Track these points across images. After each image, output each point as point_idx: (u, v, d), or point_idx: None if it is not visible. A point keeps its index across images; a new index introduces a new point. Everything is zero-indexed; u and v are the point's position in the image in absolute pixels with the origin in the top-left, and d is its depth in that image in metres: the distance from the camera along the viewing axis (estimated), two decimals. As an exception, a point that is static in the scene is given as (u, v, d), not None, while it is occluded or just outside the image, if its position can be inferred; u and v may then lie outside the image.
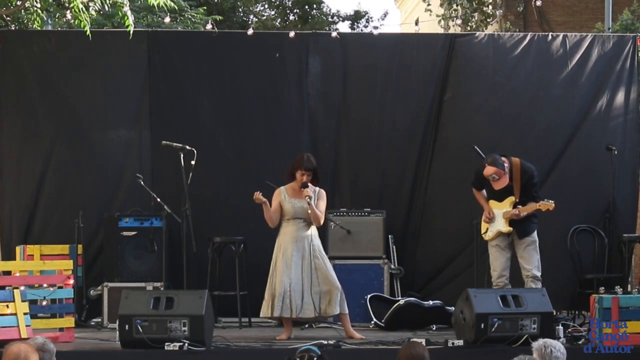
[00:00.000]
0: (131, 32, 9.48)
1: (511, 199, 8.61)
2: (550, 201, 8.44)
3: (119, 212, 9.47)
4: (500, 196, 8.69)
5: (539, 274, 8.54)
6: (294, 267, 8.26)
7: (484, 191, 8.89)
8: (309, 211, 8.27)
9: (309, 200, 8.24)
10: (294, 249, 8.29)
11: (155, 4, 9.85)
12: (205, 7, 17.46)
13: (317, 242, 8.42)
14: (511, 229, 8.57)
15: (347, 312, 8.35)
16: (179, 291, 8.08)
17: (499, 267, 8.61)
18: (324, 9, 24.48)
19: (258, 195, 8.27)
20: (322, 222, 8.43)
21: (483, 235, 8.79)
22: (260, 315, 8.44)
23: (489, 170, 8.54)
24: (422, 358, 5.24)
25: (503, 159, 8.58)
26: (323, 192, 8.45)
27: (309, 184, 8.31)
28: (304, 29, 20.37)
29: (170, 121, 9.91)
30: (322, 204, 8.38)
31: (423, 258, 9.97)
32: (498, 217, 8.65)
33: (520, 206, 8.55)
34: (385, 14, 29.19)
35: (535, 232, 8.63)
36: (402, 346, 5.67)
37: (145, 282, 9.20)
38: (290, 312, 8.21)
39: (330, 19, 24.40)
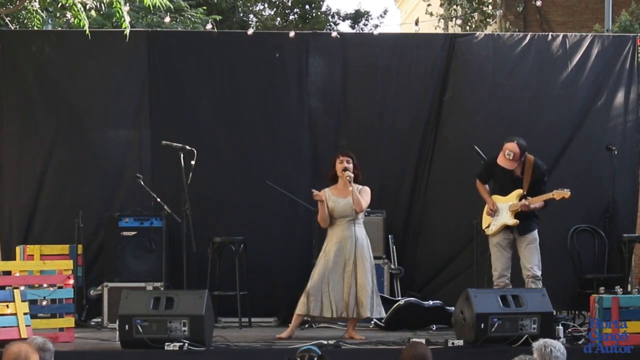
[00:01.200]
0: (128, 33, 9.49)
1: (519, 191, 8.58)
2: (566, 189, 8.44)
3: (119, 212, 9.47)
4: (505, 190, 8.68)
5: (539, 273, 8.54)
6: (334, 267, 8.23)
7: (487, 186, 8.88)
8: (350, 188, 8.25)
9: (349, 179, 8.25)
10: (337, 250, 8.27)
11: (151, 4, 9.85)
12: (204, 7, 17.44)
13: (363, 241, 8.36)
14: (517, 221, 8.53)
15: (368, 316, 8.34)
16: (179, 291, 8.08)
17: (500, 267, 8.61)
18: (324, 9, 24.48)
19: (317, 192, 8.30)
20: (363, 208, 8.35)
21: (485, 230, 8.76)
22: (296, 312, 8.31)
23: (513, 146, 8.49)
24: (425, 358, 5.25)
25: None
26: (367, 188, 8.45)
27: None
28: (303, 29, 20.37)
29: (170, 121, 9.90)
30: (365, 196, 8.38)
31: (423, 258, 9.97)
32: (503, 210, 8.63)
33: (529, 197, 8.54)
34: (385, 12, 29.18)
35: (536, 231, 8.62)
36: (405, 347, 5.67)
37: (145, 282, 9.20)
38: (331, 312, 8.21)
39: (330, 18, 24.39)
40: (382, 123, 10.05)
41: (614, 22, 14.87)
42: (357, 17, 24.71)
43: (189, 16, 16.11)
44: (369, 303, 8.24)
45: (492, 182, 8.92)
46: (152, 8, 10.67)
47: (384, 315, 8.58)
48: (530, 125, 9.96)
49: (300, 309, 8.27)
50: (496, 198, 8.73)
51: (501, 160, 8.57)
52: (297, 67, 10.03)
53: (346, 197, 8.32)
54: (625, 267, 9.46)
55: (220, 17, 17.62)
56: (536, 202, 8.51)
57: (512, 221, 8.57)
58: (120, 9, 9.58)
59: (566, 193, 8.43)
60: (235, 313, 9.25)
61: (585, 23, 17.04)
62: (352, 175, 8.32)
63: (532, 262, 8.54)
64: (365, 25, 24.81)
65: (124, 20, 9.46)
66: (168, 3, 10.03)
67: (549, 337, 5.74)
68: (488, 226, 8.73)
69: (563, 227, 9.65)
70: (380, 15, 35.57)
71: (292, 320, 8.35)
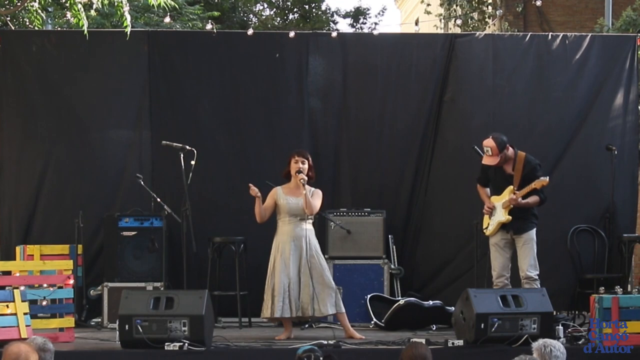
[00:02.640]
0: (128, 33, 9.50)
1: (509, 188, 8.57)
2: (544, 177, 8.44)
3: (119, 212, 9.47)
4: (500, 189, 8.66)
5: (533, 274, 8.49)
6: (292, 265, 8.28)
7: (488, 190, 8.87)
8: (303, 192, 8.28)
9: (303, 182, 8.26)
10: (291, 248, 8.31)
11: (155, 4, 9.85)
12: (202, 5, 17.44)
13: (314, 240, 8.43)
14: (510, 217, 8.52)
15: (343, 311, 8.35)
16: (179, 291, 8.07)
17: (498, 267, 8.61)
18: (324, 8, 24.48)
19: (254, 188, 8.32)
20: (314, 211, 8.41)
21: (484, 231, 8.75)
22: (261, 317, 8.44)
23: (488, 141, 8.54)
24: (425, 358, 5.25)
25: (510, 147, 8.58)
26: (319, 191, 8.49)
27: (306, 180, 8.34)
28: (304, 28, 20.38)
29: (170, 121, 9.91)
30: (317, 199, 8.40)
31: (423, 258, 9.97)
32: (498, 208, 8.63)
33: (516, 191, 8.55)
34: (384, 10, 29.12)
35: (534, 231, 8.60)
36: (404, 347, 5.67)
37: (145, 282, 9.20)
38: (290, 312, 8.23)
39: (330, 18, 24.39)
40: (382, 123, 10.05)
41: (618, 17, 14.83)
42: (356, 15, 24.71)
43: (187, 14, 16.12)
44: (331, 301, 8.24)
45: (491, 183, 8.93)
46: (156, 8, 10.68)
47: (343, 310, 8.44)
48: (530, 125, 9.96)
49: (264, 312, 8.30)
50: (493, 198, 8.75)
51: (484, 160, 8.62)
52: (297, 67, 10.03)
53: (298, 196, 8.36)
54: (625, 267, 9.46)
55: (218, 14, 17.61)
56: (521, 194, 8.48)
57: (505, 218, 8.57)
58: (121, 7, 9.57)
59: (544, 180, 8.43)
60: (235, 313, 9.25)
61: (585, 23, 17.04)
62: (306, 178, 8.34)
63: (526, 263, 8.52)
64: (364, 23, 24.81)
65: (125, 19, 9.47)
66: (172, 3, 10.03)
67: (549, 337, 5.75)
68: (487, 227, 8.74)
69: (563, 227, 9.65)
70: (379, 13, 35.62)
71: (284, 324, 8.37)
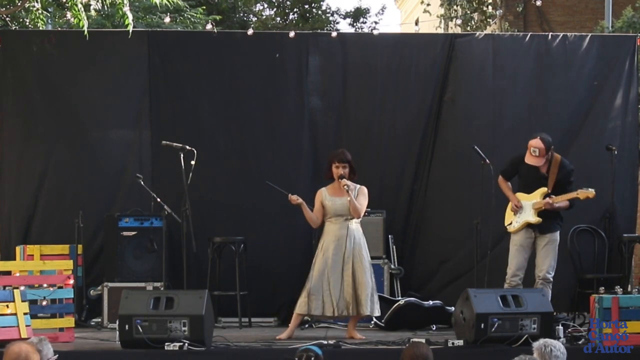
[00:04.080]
0: (131, 32, 9.50)
1: (542, 189, 8.54)
2: (590, 189, 8.41)
3: (119, 212, 9.48)
4: (530, 188, 8.62)
5: (550, 275, 8.49)
6: (333, 265, 8.25)
7: (509, 183, 8.82)
8: (348, 199, 8.27)
9: (346, 188, 8.25)
10: (334, 248, 8.28)
11: (158, 3, 9.86)
12: (204, 7, 17.45)
13: (360, 240, 8.38)
14: (540, 219, 8.49)
15: (369, 314, 8.35)
16: (179, 291, 8.07)
17: (515, 266, 8.53)
18: (324, 8, 24.47)
19: (292, 197, 8.34)
20: (361, 214, 8.38)
21: (507, 227, 8.67)
22: (296, 312, 8.31)
23: (537, 142, 8.48)
24: (426, 358, 5.25)
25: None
26: (364, 189, 8.45)
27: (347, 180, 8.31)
28: (304, 28, 20.39)
29: (170, 121, 9.91)
30: (363, 199, 8.38)
31: (423, 258, 9.97)
32: (527, 208, 8.57)
33: (553, 196, 8.51)
34: (383, 9, 29.14)
35: (558, 233, 8.60)
36: (405, 346, 5.67)
37: (145, 282, 9.21)
38: (332, 311, 8.20)
39: (330, 17, 24.39)
40: (382, 123, 10.05)
41: (618, 18, 14.82)
42: (357, 14, 24.70)
43: (189, 16, 16.13)
44: (368, 301, 8.24)
45: (515, 179, 8.85)
46: (159, 7, 10.67)
47: (379, 313, 8.53)
48: (530, 125, 9.94)
49: (300, 308, 8.27)
50: (520, 196, 8.66)
51: (529, 159, 8.52)
52: (297, 67, 10.04)
53: (343, 196, 8.33)
54: (625, 267, 9.46)
55: (220, 17, 17.63)
56: (560, 200, 8.48)
57: (535, 219, 8.53)
58: (122, 6, 9.58)
59: (590, 193, 8.40)
60: (235, 313, 9.25)
61: (585, 23, 17.05)
62: (350, 184, 8.31)
63: (546, 264, 8.50)
64: (364, 23, 24.80)
65: (127, 18, 9.47)
66: (175, 0, 10.03)
67: (549, 337, 5.75)
68: (510, 223, 8.65)
69: (563, 227, 9.61)
70: (379, 12, 35.63)
71: (292, 320, 8.35)
